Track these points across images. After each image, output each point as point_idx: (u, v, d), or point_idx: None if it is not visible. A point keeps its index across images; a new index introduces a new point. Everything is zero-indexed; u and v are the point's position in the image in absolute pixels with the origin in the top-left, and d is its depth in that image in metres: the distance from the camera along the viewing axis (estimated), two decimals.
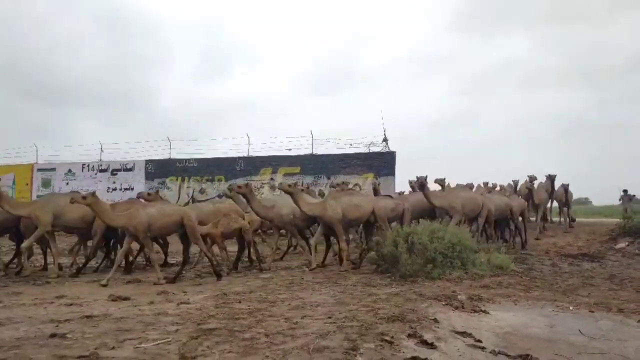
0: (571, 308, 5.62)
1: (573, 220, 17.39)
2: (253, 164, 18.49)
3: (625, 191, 18.18)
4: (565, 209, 16.79)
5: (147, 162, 19.70)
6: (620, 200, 18.37)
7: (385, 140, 16.94)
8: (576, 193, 18.49)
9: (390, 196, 11.63)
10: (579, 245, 13.44)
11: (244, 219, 9.88)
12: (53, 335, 4.27)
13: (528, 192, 15.25)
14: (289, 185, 9.55)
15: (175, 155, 19.54)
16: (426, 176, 10.42)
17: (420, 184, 10.56)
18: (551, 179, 15.95)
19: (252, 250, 9.66)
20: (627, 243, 12.43)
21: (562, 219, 17.08)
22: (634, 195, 18.14)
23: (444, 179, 11.62)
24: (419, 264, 7.74)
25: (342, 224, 9.23)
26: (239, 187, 9.74)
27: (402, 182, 14.48)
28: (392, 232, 8.66)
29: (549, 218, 17.56)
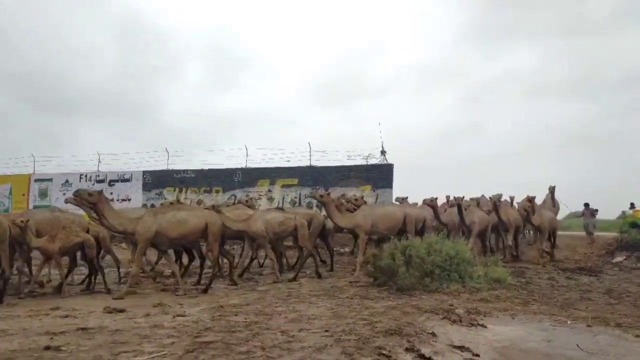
0: (569, 322, 5.60)
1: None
2: (251, 176, 18.50)
3: (586, 205, 16.65)
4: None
5: (145, 173, 19.69)
6: (582, 214, 17.00)
7: (383, 152, 17.05)
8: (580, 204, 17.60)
9: (281, 209, 11.32)
10: (576, 259, 13.44)
11: (87, 231, 8.60)
12: (47, 348, 4.24)
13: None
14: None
15: (173, 166, 19.61)
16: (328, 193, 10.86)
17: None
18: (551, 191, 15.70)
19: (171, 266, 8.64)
20: (624, 257, 12.45)
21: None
22: (597, 210, 16.74)
23: (436, 198, 11.70)
24: (417, 277, 7.72)
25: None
26: (90, 194, 7.71)
27: (400, 195, 14.53)
28: (390, 245, 8.64)
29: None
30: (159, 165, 19.81)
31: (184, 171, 19.29)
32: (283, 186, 17.98)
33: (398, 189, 16.50)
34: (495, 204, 11.67)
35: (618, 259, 12.43)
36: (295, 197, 17.47)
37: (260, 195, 18.09)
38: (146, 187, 19.47)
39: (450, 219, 11.70)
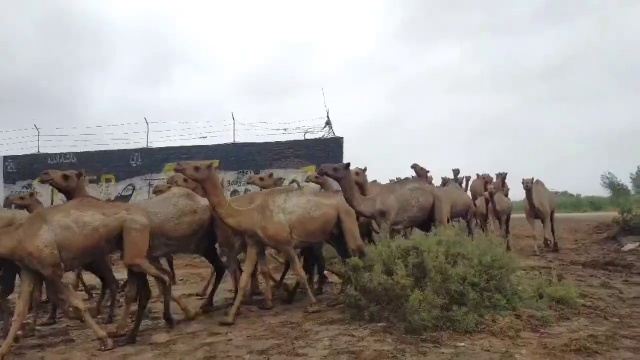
0: None
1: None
2: (154, 158, 13.99)
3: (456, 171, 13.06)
4: None
5: (7, 158, 14.56)
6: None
7: (328, 123, 13.33)
8: None
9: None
10: (573, 248, 10.87)
11: None
12: None
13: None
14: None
15: (47, 149, 14.65)
16: None
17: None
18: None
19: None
20: (637, 244, 9.97)
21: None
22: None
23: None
24: (439, 305, 4.34)
25: None
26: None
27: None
28: (380, 246, 5.17)
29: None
30: (27, 148, 14.81)
31: (63, 155, 14.38)
32: None
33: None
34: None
35: (630, 246, 9.93)
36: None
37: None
38: (9, 177, 14.41)
39: None
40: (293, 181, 12.82)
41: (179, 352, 4.21)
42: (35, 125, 14.90)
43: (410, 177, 8.68)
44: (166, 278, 5.09)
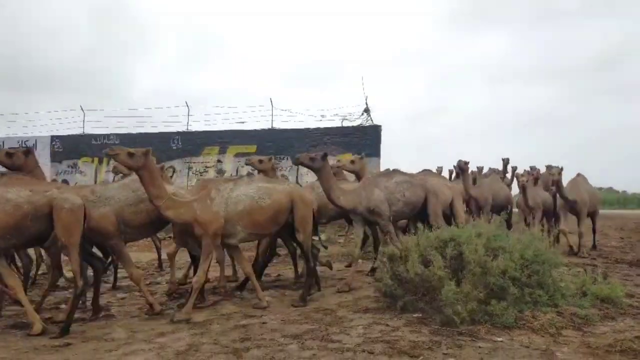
0: None
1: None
2: (194, 141, 14.21)
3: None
4: None
5: (54, 138, 15.04)
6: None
7: (366, 111, 13.15)
8: None
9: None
10: (618, 246, 10.43)
11: None
12: None
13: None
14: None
15: (91, 129, 15.13)
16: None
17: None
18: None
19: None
20: None
21: None
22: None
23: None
24: (476, 298, 4.23)
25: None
26: None
27: (389, 164, 10.95)
28: (418, 237, 5.07)
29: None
30: (73, 128, 15.31)
31: (106, 136, 14.72)
32: (237, 155, 13.88)
33: (386, 159, 12.85)
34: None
35: None
36: (253, 170, 13.44)
37: (206, 166, 14.02)
38: (56, 156, 14.93)
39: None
40: None
41: (215, 331, 4.27)
42: (80, 107, 15.39)
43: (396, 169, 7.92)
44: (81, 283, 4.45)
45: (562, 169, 8.76)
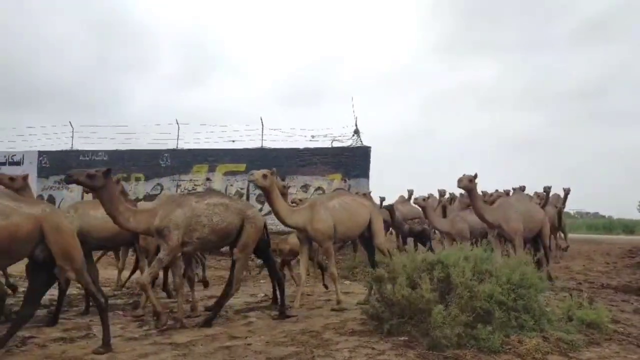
0: None
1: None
2: (183, 159, 14.20)
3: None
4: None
5: (41, 153, 14.99)
6: None
7: (356, 132, 13.27)
8: None
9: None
10: (603, 271, 10.49)
11: None
12: None
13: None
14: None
15: (81, 145, 15.02)
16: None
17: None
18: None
19: None
20: None
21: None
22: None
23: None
24: (464, 322, 4.22)
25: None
26: None
27: (377, 186, 11.00)
28: (404, 257, 5.08)
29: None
30: (61, 144, 15.20)
31: (94, 152, 14.69)
32: (226, 173, 13.87)
33: (375, 180, 12.91)
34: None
35: None
36: (243, 188, 13.45)
37: (195, 185, 13.96)
38: (43, 172, 14.82)
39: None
40: (318, 188, 12.84)
41: (198, 353, 4.20)
42: (69, 122, 15.32)
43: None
44: None
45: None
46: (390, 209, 10.06)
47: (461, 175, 6.96)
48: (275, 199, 5.71)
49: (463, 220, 8.91)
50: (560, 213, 11.60)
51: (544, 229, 8.20)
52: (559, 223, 11.62)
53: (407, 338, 4.43)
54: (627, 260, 11.48)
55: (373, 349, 4.22)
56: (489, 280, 4.52)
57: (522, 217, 7.58)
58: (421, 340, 4.27)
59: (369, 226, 6.59)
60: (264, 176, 5.49)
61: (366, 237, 6.76)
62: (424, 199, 8.81)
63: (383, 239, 6.85)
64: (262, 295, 7.36)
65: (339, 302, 6.11)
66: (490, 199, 8.68)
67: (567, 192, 12.26)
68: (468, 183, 6.93)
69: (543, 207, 9.85)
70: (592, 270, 10.56)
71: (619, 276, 9.74)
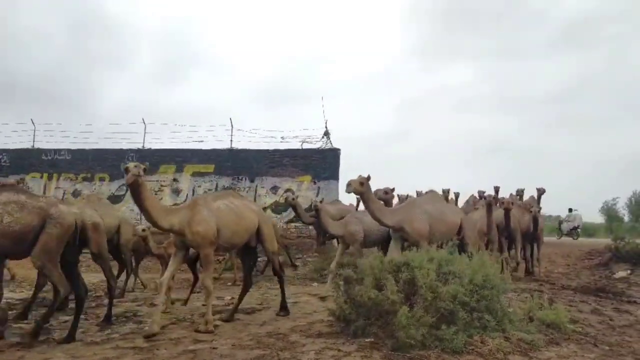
0: None
1: None
2: (150, 159, 13.73)
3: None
4: None
5: (1, 151, 14.44)
6: None
7: (326, 134, 13.26)
8: None
9: None
10: (564, 273, 10.85)
11: None
12: None
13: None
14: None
15: (42, 144, 14.51)
16: None
17: None
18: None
19: None
20: (628, 271, 9.97)
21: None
22: None
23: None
24: (428, 323, 4.28)
25: None
26: None
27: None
28: (372, 259, 5.12)
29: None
30: (22, 142, 14.68)
31: (57, 151, 14.28)
32: (194, 174, 13.67)
33: (345, 182, 12.85)
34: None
35: (621, 273, 9.92)
36: (211, 189, 13.25)
37: (162, 185, 13.71)
38: (1, 170, 14.29)
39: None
40: (287, 190, 12.79)
41: (162, 357, 4.12)
42: (31, 120, 14.81)
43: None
44: None
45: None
46: (316, 208, 8.76)
47: (351, 179, 6.42)
48: (145, 200, 4.84)
49: (358, 222, 8.13)
50: (535, 218, 9.83)
51: (465, 232, 7.44)
52: (534, 229, 9.96)
53: (373, 339, 4.45)
54: (587, 262, 11.88)
55: (339, 350, 4.23)
56: (453, 281, 4.59)
57: (429, 218, 6.89)
58: (387, 341, 4.30)
59: (258, 232, 5.90)
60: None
61: (251, 247, 6.06)
62: (320, 201, 8.58)
63: (275, 246, 6.26)
64: (229, 298, 7.29)
65: (207, 322, 5.16)
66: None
67: (540, 192, 11.68)
68: (359, 187, 6.33)
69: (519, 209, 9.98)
70: (553, 272, 10.91)
71: (579, 277, 10.09)
